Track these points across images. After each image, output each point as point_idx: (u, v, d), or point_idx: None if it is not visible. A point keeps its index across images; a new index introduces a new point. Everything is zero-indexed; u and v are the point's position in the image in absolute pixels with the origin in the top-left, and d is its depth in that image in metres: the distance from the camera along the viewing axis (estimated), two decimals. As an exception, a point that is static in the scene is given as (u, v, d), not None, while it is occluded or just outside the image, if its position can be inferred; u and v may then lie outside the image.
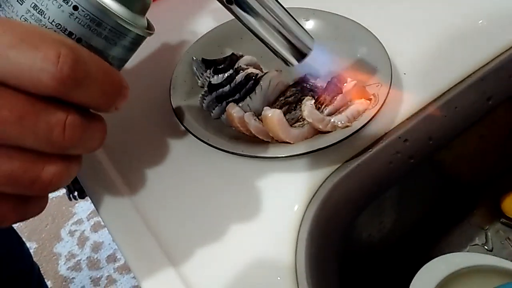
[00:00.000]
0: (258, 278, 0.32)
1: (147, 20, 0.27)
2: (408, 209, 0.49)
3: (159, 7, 0.54)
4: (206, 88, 0.40)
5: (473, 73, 0.41)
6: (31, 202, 0.23)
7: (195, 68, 0.42)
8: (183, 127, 0.38)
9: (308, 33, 0.32)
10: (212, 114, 0.39)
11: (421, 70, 0.42)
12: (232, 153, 0.35)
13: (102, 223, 1.53)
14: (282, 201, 0.35)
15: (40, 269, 1.45)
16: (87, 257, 1.48)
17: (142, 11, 0.26)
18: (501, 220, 0.54)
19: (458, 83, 0.41)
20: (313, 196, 0.35)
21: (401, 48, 0.43)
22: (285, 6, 0.46)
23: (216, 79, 0.40)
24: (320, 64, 0.37)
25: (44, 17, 0.22)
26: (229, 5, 0.30)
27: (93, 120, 0.22)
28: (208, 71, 0.41)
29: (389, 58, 0.39)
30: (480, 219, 0.53)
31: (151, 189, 0.37)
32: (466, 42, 0.43)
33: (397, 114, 0.39)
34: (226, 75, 0.40)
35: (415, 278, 0.47)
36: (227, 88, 0.39)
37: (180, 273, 0.32)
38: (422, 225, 0.51)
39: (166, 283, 0.32)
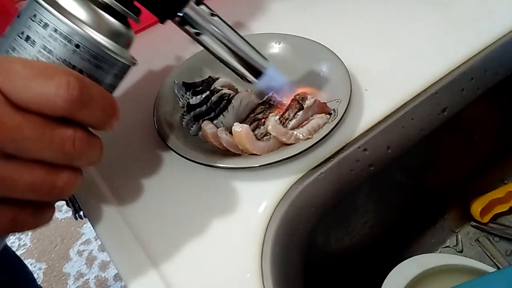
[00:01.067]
0: (230, 276, 0.36)
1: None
2: (380, 213, 0.52)
3: (145, 38, 0.60)
4: (185, 108, 0.45)
5: (428, 87, 0.45)
6: (45, 209, 0.28)
7: (176, 91, 0.47)
8: (165, 144, 0.42)
9: (263, 56, 0.38)
10: (190, 131, 0.43)
11: (381, 86, 0.46)
12: (207, 165, 0.40)
13: (109, 243, 1.58)
14: (251, 207, 0.39)
15: (50, 290, 1.49)
16: (95, 276, 1.52)
17: (127, 45, 0.32)
18: (470, 223, 0.57)
19: (415, 96, 0.45)
20: (279, 202, 0.39)
21: (364, 67, 0.48)
22: (262, 31, 0.52)
23: (194, 100, 0.45)
24: (276, 84, 0.42)
25: (51, 55, 0.28)
26: (197, 37, 0.36)
27: (94, 137, 0.28)
28: (188, 93, 0.46)
29: (349, 76, 0.44)
30: (451, 223, 0.57)
31: (138, 201, 0.41)
32: (422, 59, 0.48)
33: (358, 126, 0.43)
34: (203, 96, 0.45)
35: (387, 278, 0.50)
36: (203, 107, 0.44)
37: (161, 273, 0.36)
38: (394, 228, 0.54)
39: (149, 283, 0.36)
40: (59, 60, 0.28)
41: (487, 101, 0.55)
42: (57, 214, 1.71)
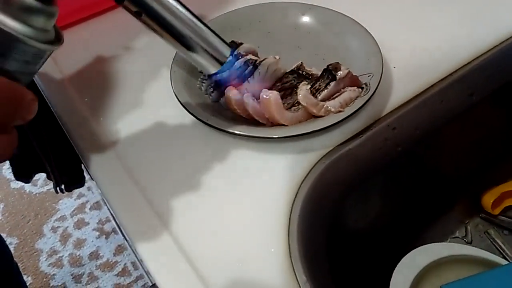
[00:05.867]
0: (253, 249, 0.33)
1: (58, 32, 0.27)
2: (392, 200, 0.51)
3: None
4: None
5: (457, 70, 0.44)
6: None
7: (195, 54, 0.43)
8: (183, 109, 0.39)
9: (225, 42, 0.37)
10: (210, 97, 0.41)
11: (410, 65, 0.44)
12: (230, 133, 0.37)
13: (86, 220, 1.53)
14: (276, 181, 0.36)
15: (21, 265, 1.43)
16: (69, 254, 1.47)
17: (45, 26, 0.25)
18: (480, 215, 0.56)
19: (443, 78, 0.43)
20: (306, 177, 0.36)
21: (394, 44, 0.46)
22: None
23: (216, 65, 0.42)
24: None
25: None
26: (138, 17, 0.34)
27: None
28: (208, 57, 0.43)
29: (380, 51, 0.42)
30: (460, 213, 0.56)
31: (154, 167, 0.39)
32: (451, 42, 0.46)
33: (387, 103, 0.41)
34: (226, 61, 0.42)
35: (398, 266, 0.48)
36: (226, 73, 0.41)
37: (179, 243, 0.34)
38: (405, 216, 0.53)
39: (168, 255, 0.33)
40: None
41: (504, 93, 0.54)
42: (32, 188, 1.64)
